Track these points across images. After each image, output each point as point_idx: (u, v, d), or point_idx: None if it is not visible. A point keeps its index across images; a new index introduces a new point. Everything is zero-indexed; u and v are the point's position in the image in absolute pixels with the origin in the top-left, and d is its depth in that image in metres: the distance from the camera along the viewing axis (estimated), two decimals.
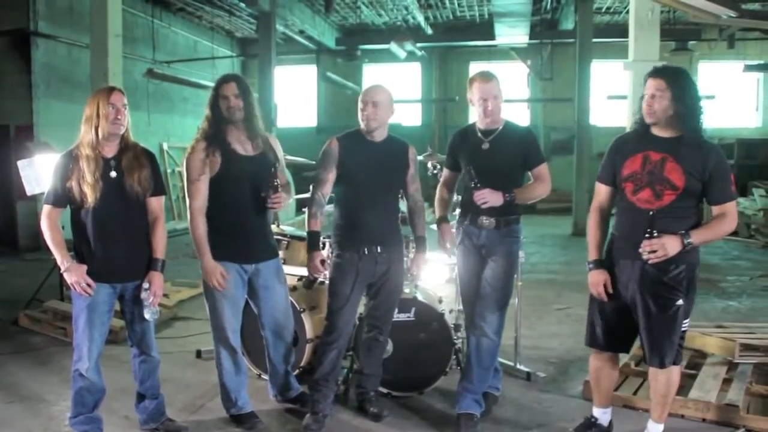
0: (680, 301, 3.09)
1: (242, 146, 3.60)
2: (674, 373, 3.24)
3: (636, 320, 3.19)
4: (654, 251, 2.98)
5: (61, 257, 3.29)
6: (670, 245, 2.97)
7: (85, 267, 3.27)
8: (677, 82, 3.07)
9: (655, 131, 3.15)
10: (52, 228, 3.32)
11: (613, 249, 3.27)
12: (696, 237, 3.00)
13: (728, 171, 3.08)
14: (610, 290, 3.22)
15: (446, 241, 3.90)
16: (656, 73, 3.13)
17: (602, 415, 3.52)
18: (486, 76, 3.72)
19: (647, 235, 2.98)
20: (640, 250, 3.00)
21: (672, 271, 3.07)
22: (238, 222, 3.59)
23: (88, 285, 3.26)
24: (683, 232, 2.99)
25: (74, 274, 3.25)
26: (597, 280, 3.24)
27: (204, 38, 15.94)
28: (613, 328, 3.28)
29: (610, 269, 3.24)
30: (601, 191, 3.34)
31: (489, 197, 3.55)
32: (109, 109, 3.26)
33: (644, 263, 3.06)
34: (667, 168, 3.05)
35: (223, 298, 3.59)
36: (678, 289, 3.08)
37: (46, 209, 3.34)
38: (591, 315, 3.37)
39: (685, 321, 3.15)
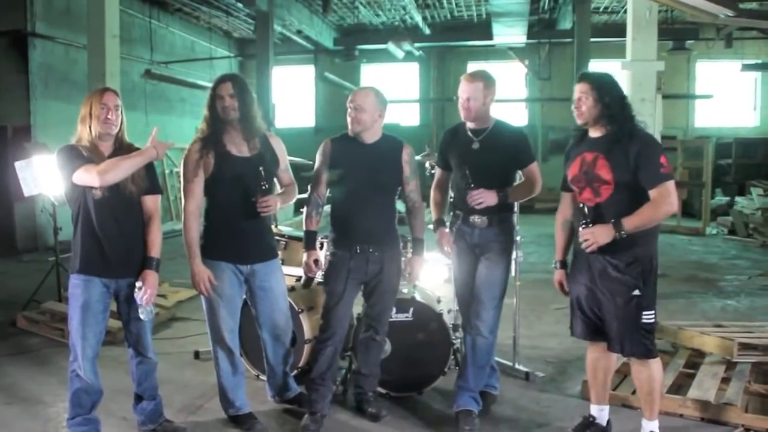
0: (636, 292, 3.18)
1: (237, 147, 3.58)
2: (654, 368, 3.29)
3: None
4: (586, 239, 3.16)
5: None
6: (599, 233, 3.13)
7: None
8: (599, 83, 3.25)
9: (591, 133, 3.34)
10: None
11: (575, 247, 3.44)
12: (628, 222, 3.10)
13: (655, 154, 3.16)
14: (567, 288, 3.50)
15: (444, 245, 3.90)
16: (581, 78, 3.34)
17: (600, 413, 3.54)
18: (472, 76, 3.76)
19: (582, 226, 3.20)
20: (579, 240, 3.21)
21: (624, 263, 3.19)
22: (232, 223, 3.58)
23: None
24: (614, 220, 3.12)
25: None
26: (556, 279, 3.57)
27: (201, 39, 15.93)
28: (590, 319, 3.39)
29: (574, 267, 3.45)
30: (564, 198, 3.55)
31: (484, 196, 3.57)
32: (100, 109, 3.27)
33: (599, 257, 3.22)
34: (598, 165, 3.23)
35: (219, 298, 3.59)
36: (631, 280, 3.19)
37: (83, 169, 3.21)
38: (571, 310, 3.52)
39: (647, 312, 3.21)
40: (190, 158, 3.54)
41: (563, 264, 3.54)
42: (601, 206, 3.21)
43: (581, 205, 3.26)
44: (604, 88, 3.24)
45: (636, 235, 3.12)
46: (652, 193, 3.15)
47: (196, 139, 3.59)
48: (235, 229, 3.58)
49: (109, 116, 3.29)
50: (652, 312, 3.24)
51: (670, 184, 3.15)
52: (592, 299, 3.32)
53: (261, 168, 3.53)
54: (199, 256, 3.52)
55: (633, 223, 3.11)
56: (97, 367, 3.42)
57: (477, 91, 3.68)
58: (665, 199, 3.11)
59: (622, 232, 3.10)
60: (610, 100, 3.22)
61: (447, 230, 3.90)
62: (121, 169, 3.24)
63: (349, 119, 3.66)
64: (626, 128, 3.22)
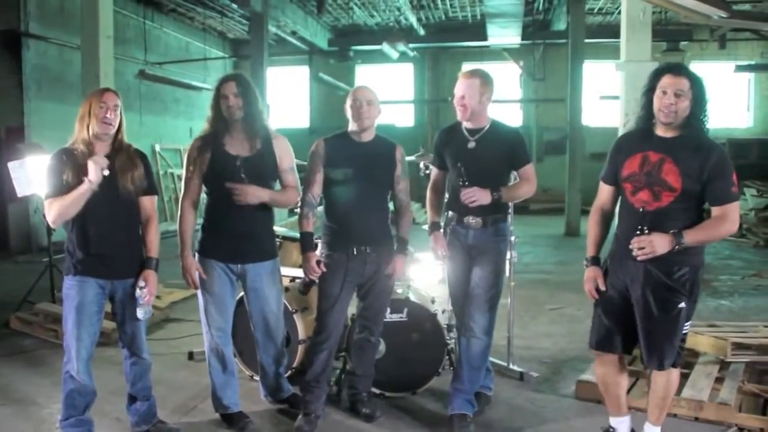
0: (682, 304, 3.03)
1: (237, 146, 3.57)
2: (674, 375, 3.21)
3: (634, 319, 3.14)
4: (642, 248, 2.92)
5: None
6: (658, 243, 2.90)
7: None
8: (698, 84, 3.01)
9: (659, 131, 3.08)
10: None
11: (616, 249, 3.22)
12: (689, 236, 2.91)
13: (729, 171, 2.98)
14: (602, 288, 3.19)
15: (438, 249, 3.88)
16: (679, 70, 3.02)
17: (619, 424, 3.38)
18: (469, 73, 3.73)
19: (638, 232, 2.94)
20: (630, 246, 2.96)
21: (675, 272, 3.01)
22: (224, 222, 3.59)
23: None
24: (675, 231, 2.92)
25: None
26: (589, 277, 3.24)
27: (196, 39, 15.90)
28: (619, 328, 3.20)
29: (612, 269, 3.20)
30: (603, 191, 3.30)
31: (477, 195, 3.55)
32: (99, 108, 3.27)
33: (647, 264, 3.00)
34: (665, 169, 2.99)
35: (209, 295, 3.62)
36: (681, 291, 3.02)
37: (47, 204, 3.32)
38: (596, 315, 3.27)
39: (686, 324, 3.10)
40: (190, 154, 3.61)
41: (596, 260, 3.26)
42: (660, 213, 2.98)
43: (641, 209, 2.99)
44: (703, 89, 3.01)
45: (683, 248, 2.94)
46: (717, 210, 2.99)
47: (198, 136, 3.65)
48: (227, 228, 3.59)
49: (107, 115, 3.28)
50: (690, 323, 3.14)
51: (737, 205, 3.03)
52: (626, 306, 3.13)
53: (239, 164, 3.52)
54: (190, 249, 3.57)
55: (695, 238, 2.94)
56: (91, 368, 3.41)
57: (473, 88, 3.66)
58: (730, 218, 2.97)
59: (681, 245, 2.91)
60: (704, 104, 3.01)
61: (441, 234, 3.87)
62: (65, 210, 3.26)
63: (357, 115, 3.61)
64: (705, 136, 3.03)
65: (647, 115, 3.10)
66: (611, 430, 3.41)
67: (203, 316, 3.69)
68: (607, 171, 3.27)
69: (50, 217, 3.31)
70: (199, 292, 3.67)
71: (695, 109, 2.98)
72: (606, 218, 3.31)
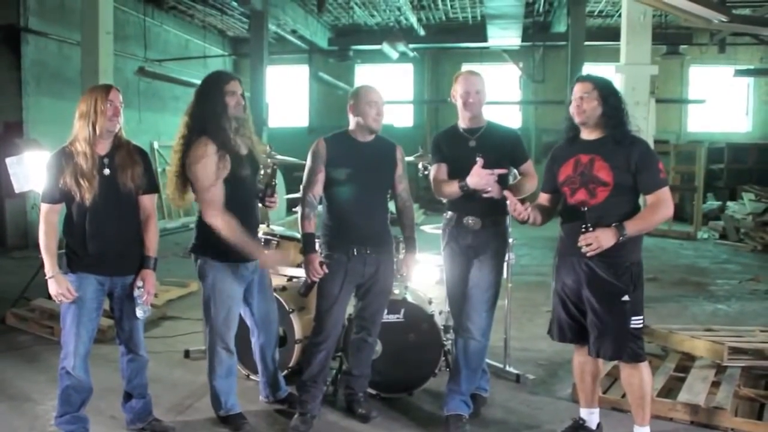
0: (626, 297, 3.17)
1: (241, 145, 3.56)
2: (644, 372, 3.28)
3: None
4: (589, 244, 3.09)
5: (49, 265, 3.26)
6: (603, 237, 3.08)
7: (67, 283, 3.25)
8: (602, 85, 3.28)
9: (584, 135, 3.34)
10: (48, 234, 3.29)
11: (560, 250, 3.42)
12: (630, 227, 3.11)
13: (654, 160, 3.22)
14: (552, 284, 3.44)
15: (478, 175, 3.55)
16: (582, 78, 3.34)
17: (589, 416, 3.54)
18: (471, 72, 3.79)
19: (582, 230, 3.13)
20: (579, 244, 3.13)
21: (616, 268, 3.18)
22: (243, 221, 3.50)
23: (70, 292, 3.26)
24: (616, 223, 3.11)
25: (58, 286, 3.24)
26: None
27: (196, 37, 15.89)
28: (575, 321, 3.37)
29: (558, 267, 3.41)
30: (541, 198, 3.55)
31: (493, 187, 3.53)
32: (107, 106, 3.25)
33: (589, 261, 3.19)
34: (596, 167, 3.22)
35: (227, 298, 3.56)
36: (621, 285, 3.18)
37: (44, 209, 3.32)
38: (554, 310, 3.48)
39: (635, 317, 3.21)
40: (210, 161, 3.38)
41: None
42: (599, 208, 3.19)
43: (582, 208, 3.20)
44: (607, 90, 3.27)
45: (626, 240, 3.12)
46: (650, 197, 3.21)
47: (205, 140, 3.41)
48: (246, 226, 3.51)
49: (116, 114, 3.28)
50: (641, 317, 3.25)
51: (668, 190, 3.24)
52: (579, 302, 3.31)
53: (272, 166, 3.55)
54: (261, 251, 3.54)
55: (636, 227, 3.14)
56: (89, 364, 3.41)
57: (482, 84, 3.72)
58: (664, 203, 3.19)
59: (624, 236, 3.10)
60: (614, 102, 3.25)
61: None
62: (41, 243, 3.27)
63: (371, 117, 3.60)
64: (624, 131, 3.25)
65: (572, 125, 3.37)
66: (581, 421, 3.55)
67: (214, 320, 3.59)
68: (545, 181, 3.53)
69: (40, 226, 3.31)
70: (207, 295, 3.61)
71: (605, 108, 3.23)
72: (539, 206, 3.52)
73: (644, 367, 3.28)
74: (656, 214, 3.19)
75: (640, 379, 3.27)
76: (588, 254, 3.13)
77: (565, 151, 3.39)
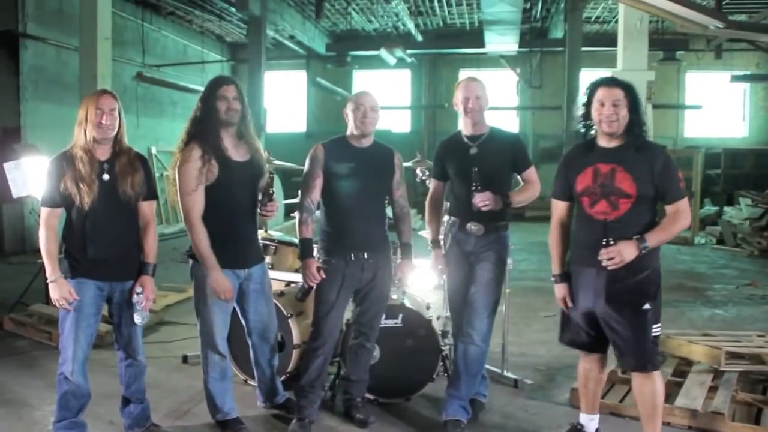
0: (647, 306, 3.11)
1: (235, 151, 3.55)
2: (658, 381, 3.23)
3: (602, 327, 3.22)
4: (611, 258, 3.02)
5: (51, 269, 3.27)
6: (625, 251, 3.02)
7: (68, 287, 3.25)
8: (632, 91, 3.15)
9: (602, 142, 3.21)
10: (49, 238, 3.30)
11: (575, 259, 3.32)
12: (651, 239, 3.05)
13: (675, 170, 3.14)
14: (570, 304, 3.31)
15: (437, 265, 3.90)
16: (612, 83, 3.17)
17: (589, 422, 3.53)
18: (472, 78, 3.80)
19: (603, 244, 3.04)
20: (599, 258, 3.05)
21: (637, 276, 3.11)
22: (233, 228, 3.54)
23: (72, 295, 3.25)
24: (638, 236, 3.04)
25: (59, 290, 3.24)
26: (561, 294, 3.33)
27: (194, 42, 15.90)
28: (586, 330, 3.32)
29: (574, 276, 3.31)
30: (558, 207, 3.41)
31: (490, 199, 3.55)
32: (95, 113, 3.26)
33: (609, 271, 3.08)
34: (618, 178, 3.10)
35: (215, 304, 3.55)
36: (644, 293, 3.12)
37: (44, 213, 3.33)
38: (563, 316, 3.42)
39: (655, 325, 3.16)
40: (191, 166, 3.40)
41: (565, 277, 3.35)
42: (620, 221, 3.09)
43: (604, 221, 3.09)
44: (634, 96, 3.14)
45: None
46: (670, 208, 3.13)
47: (192, 145, 3.44)
48: (236, 234, 3.56)
49: (103, 121, 3.27)
50: (659, 325, 3.19)
51: (687, 200, 3.18)
52: (598, 314, 3.20)
53: (270, 174, 3.54)
54: (218, 265, 3.44)
55: (657, 239, 3.08)
56: (87, 370, 3.41)
57: (482, 89, 3.73)
58: (683, 213, 3.12)
59: (646, 248, 3.04)
60: (640, 110, 3.14)
61: (441, 252, 3.90)
62: (41, 248, 3.29)
63: (360, 120, 3.60)
64: (644, 138, 3.17)
65: (586, 131, 3.26)
66: (580, 426, 3.52)
67: (205, 325, 3.60)
68: (558, 188, 3.39)
69: (40, 231, 3.31)
70: (197, 301, 3.61)
71: (633, 115, 3.11)
72: (565, 232, 3.40)
73: (657, 376, 3.21)
74: (677, 224, 3.11)
75: (653, 389, 3.19)
76: (609, 268, 3.05)
77: (582, 160, 3.25)
